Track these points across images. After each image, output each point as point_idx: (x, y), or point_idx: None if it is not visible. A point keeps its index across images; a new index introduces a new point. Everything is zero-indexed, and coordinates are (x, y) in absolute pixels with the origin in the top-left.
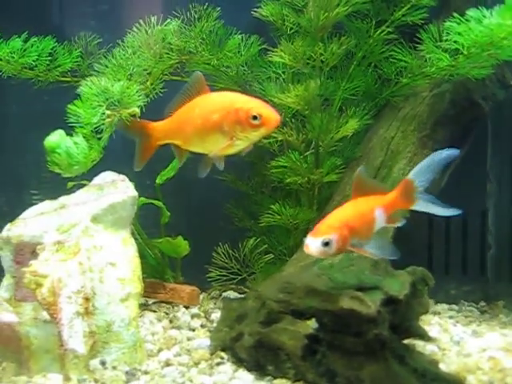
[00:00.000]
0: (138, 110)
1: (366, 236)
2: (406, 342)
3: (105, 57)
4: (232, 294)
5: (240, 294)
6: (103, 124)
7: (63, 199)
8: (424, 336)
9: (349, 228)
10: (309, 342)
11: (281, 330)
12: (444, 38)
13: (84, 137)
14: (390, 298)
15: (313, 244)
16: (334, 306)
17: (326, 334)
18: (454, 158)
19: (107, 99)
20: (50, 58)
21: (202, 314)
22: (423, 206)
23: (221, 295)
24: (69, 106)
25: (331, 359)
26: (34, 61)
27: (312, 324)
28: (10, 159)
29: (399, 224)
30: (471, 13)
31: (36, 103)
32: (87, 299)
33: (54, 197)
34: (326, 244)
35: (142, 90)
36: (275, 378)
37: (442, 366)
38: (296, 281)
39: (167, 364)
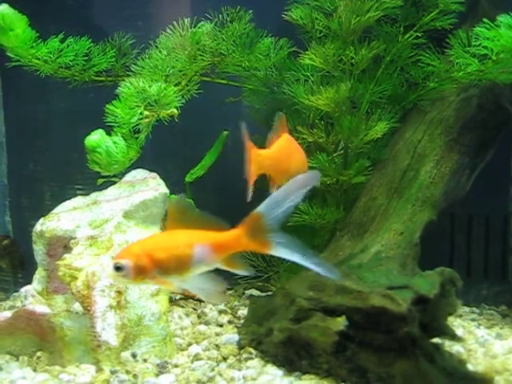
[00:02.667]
0: (176, 111)
1: (180, 273)
2: (433, 341)
3: (138, 58)
4: (254, 292)
5: (262, 292)
6: (140, 124)
7: (95, 195)
8: (453, 336)
9: (151, 258)
10: (339, 339)
11: (311, 327)
12: (473, 44)
13: (122, 136)
14: (420, 297)
15: (108, 266)
16: (365, 303)
17: (356, 332)
18: (314, 182)
19: (145, 99)
20: (85, 58)
21: (229, 311)
22: (283, 252)
23: (244, 293)
24: (107, 105)
25: (361, 356)
26: (70, 61)
27: (342, 321)
28: (57, 156)
29: (246, 273)
30: (501, 18)
31: (82, 101)
32: (120, 293)
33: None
34: (118, 268)
35: (179, 91)
36: (304, 373)
37: (469, 367)
38: (325, 279)
39: (197, 358)
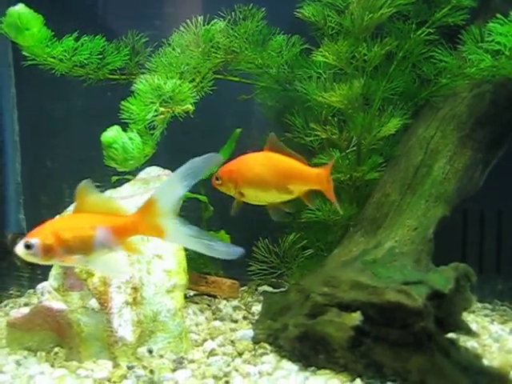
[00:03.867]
0: (191, 107)
1: (84, 252)
2: (448, 336)
3: (152, 56)
4: (266, 289)
5: (274, 288)
6: (155, 120)
7: (110, 192)
8: (468, 331)
9: (57, 238)
10: (355, 334)
11: (327, 322)
12: (486, 39)
13: (138, 132)
14: (435, 292)
15: (19, 245)
16: (380, 299)
17: (372, 327)
18: (211, 164)
19: (160, 96)
20: (99, 56)
21: (243, 307)
22: (180, 241)
23: (256, 289)
24: (122, 102)
25: (377, 351)
26: (85, 59)
27: (357, 316)
28: (70, 154)
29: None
30: None
31: (95, 99)
32: (136, 289)
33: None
34: (28, 247)
35: (193, 88)
36: (319, 368)
37: (485, 362)
38: (340, 275)
39: (212, 354)
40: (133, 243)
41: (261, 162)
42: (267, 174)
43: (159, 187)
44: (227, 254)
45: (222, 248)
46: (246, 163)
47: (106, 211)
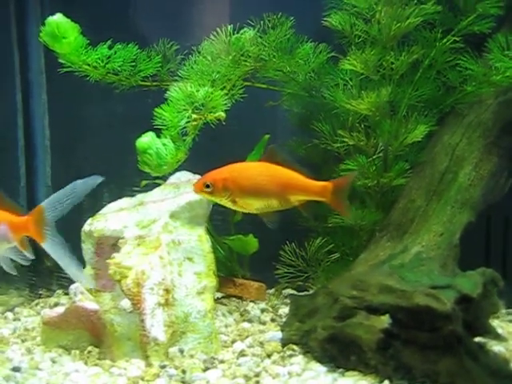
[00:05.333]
0: (223, 114)
1: None
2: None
3: (182, 64)
4: (290, 292)
5: (298, 291)
6: (187, 127)
7: (141, 196)
8: (496, 335)
9: None
10: (384, 337)
11: (356, 325)
12: None
13: (170, 138)
14: (463, 296)
15: None
16: (409, 302)
17: (400, 330)
18: (93, 185)
19: (192, 103)
20: (132, 63)
21: (270, 309)
22: (51, 250)
23: (281, 292)
24: (156, 109)
25: (406, 353)
26: (118, 66)
27: (386, 319)
28: (99, 158)
29: (28, 255)
30: None
31: (123, 105)
32: (168, 291)
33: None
34: None
35: (224, 95)
36: (347, 369)
37: None
38: (368, 279)
39: (242, 354)
40: (24, 240)
41: (259, 172)
42: (267, 183)
43: (49, 199)
44: (76, 278)
45: (75, 272)
46: (241, 172)
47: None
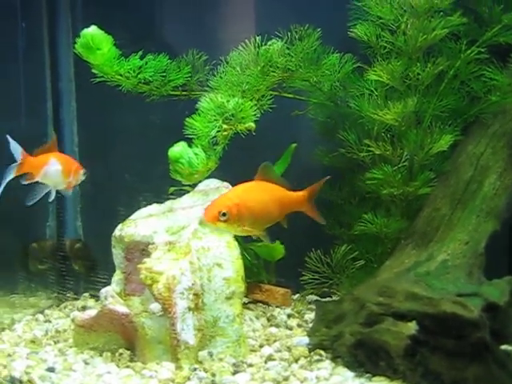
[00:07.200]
0: (253, 125)
1: None
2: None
3: (211, 74)
4: (313, 298)
5: (321, 297)
6: (217, 136)
7: (170, 203)
8: None
9: None
10: (411, 343)
11: (383, 331)
12: None
13: (201, 148)
14: (490, 304)
15: None
16: (436, 309)
17: (427, 336)
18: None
19: (223, 114)
20: (163, 74)
21: (296, 315)
22: None
23: (305, 298)
24: (187, 119)
25: (433, 360)
26: (150, 76)
27: (413, 326)
28: (126, 165)
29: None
30: None
31: (151, 114)
32: (197, 296)
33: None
34: None
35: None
36: (374, 375)
37: None
38: (395, 285)
39: (270, 359)
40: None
41: (261, 191)
42: (269, 201)
43: None
44: None
45: None
46: (248, 194)
47: None
